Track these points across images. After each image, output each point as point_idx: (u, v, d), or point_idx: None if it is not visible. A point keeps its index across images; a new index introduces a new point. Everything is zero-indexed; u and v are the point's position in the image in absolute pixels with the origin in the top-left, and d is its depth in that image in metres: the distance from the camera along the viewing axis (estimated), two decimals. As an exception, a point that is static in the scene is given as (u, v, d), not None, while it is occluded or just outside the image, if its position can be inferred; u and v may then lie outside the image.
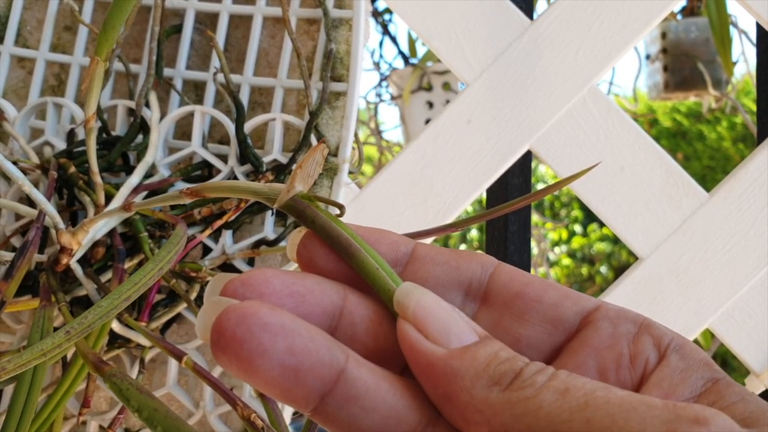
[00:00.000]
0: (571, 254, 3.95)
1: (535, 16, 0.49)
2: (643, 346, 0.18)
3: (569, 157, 0.45)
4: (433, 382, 0.16)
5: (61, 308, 0.31)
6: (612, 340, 0.18)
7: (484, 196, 0.51)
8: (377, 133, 1.16)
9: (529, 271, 0.49)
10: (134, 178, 0.36)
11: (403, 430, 0.16)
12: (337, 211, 0.21)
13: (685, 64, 1.26)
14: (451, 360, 0.16)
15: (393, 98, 1.14)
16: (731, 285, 0.45)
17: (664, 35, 1.25)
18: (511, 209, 0.34)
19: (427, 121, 1.13)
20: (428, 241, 0.35)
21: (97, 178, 0.34)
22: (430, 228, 0.43)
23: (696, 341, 0.48)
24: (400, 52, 1.14)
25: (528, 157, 0.48)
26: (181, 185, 0.40)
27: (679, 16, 1.23)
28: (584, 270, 3.96)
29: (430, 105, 1.10)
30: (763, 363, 0.45)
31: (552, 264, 3.88)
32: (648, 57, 1.36)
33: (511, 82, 0.46)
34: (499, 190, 0.48)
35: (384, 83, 1.17)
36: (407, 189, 0.47)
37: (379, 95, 1.17)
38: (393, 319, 0.19)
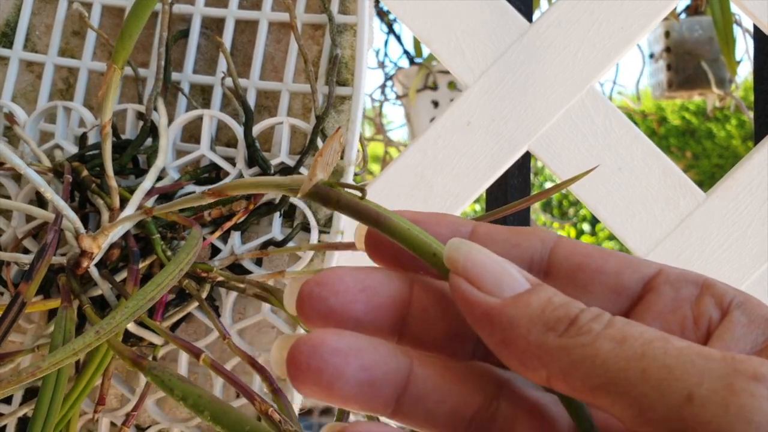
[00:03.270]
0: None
1: (534, 18, 0.52)
2: (705, 307, 0.19)
3: (568, 158, 0.48)
4: (489, 331, 0.18)
5: (86, 310, 0.34)
6: (674, 304, 0.19)
7: (484, 196, 0.54)
8: (383, 131, 1.19)
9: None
10: (147, 183, 0.39)
11: (471, 410, 0.18)
12: (359, 194, 0.24)
13: (688, 63, 1.29)
14: (505, 309, 0.17)
15: (398, 97, 1.17)
16: (728, 283, 0.48)
17: (667, 34, 1.29)
18: (510, 211, 0.37)
19: (432, 120, 1.16)
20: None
21: (113, 182, 0.37)
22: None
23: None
24: (405, 52, 1.18)
25: (527, 157, 0.51)
26: (192, 188, 0.43)
27: (683, 15, 1.27)
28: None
29: (436, 104, 1.13)
30: (759, 359, 0.48)
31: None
32: (652, 56, 1.39)
33: (510, 84, 0.49)
34: (499, 191, 0.51)
35: (389, 82, 1.20)
36: (408, 190, 0.50)
37: (384, 94, 1.20)
38: None
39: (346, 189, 0.23)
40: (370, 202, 0.22)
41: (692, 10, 1.28)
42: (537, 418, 0.19)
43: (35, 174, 0.33)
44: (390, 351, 0.18)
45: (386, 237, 0.20)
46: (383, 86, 1.20)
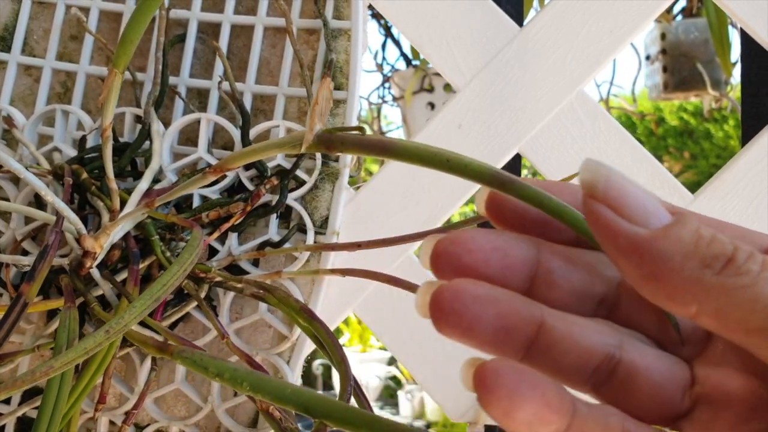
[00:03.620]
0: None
1: (525, 22, 0.53)
2: None
3: (557, 161, 0.49)
4: (635, 262, 0.18)
5: (93, 308, 0.35)
6: None
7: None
8: (381, 134, 1.20)
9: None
10: (143, 184, 0.41)
11: (594, 363, 0.20)
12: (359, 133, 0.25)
13: (684, 64, 1.31)
14: (656, 241, 0.17)
15: (395, 99, 1.19)
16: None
17: (663, 36, 1.30)
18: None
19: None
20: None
21: (113, 185, 0.38)
22: (421, 232, 0.47)
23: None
24: (402, 54, 1.19)
25: (518, 159, 0.53)
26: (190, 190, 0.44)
27: (679, 17, 1.28)
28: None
29: (432, 106, 1.15)
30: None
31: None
32: (648, 57, 1.40)
33: (501, 87, 0.50)
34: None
35: (386, 84, 1.22)
36: (401, 191, 0.51)
37: (381, 96, 1.22)
38: (582, 256, 0.21)
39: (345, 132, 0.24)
40: (374, 134, 0.23)
41: (688, 12, 1.30)
42: (653, 375, 0.20)
43: (35, 178, 0.35)
44: (523, 302, 0.20)
45: (508, 200, 0.21)
46: (380, 88, 1.22)
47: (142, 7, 0.36)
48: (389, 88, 1.25)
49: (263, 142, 0.26)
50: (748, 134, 0.52)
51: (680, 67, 1.32)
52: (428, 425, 3.44)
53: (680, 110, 4.00)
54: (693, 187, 0.50)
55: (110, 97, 0.37)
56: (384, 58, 1.23)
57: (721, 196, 0.49)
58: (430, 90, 1.14)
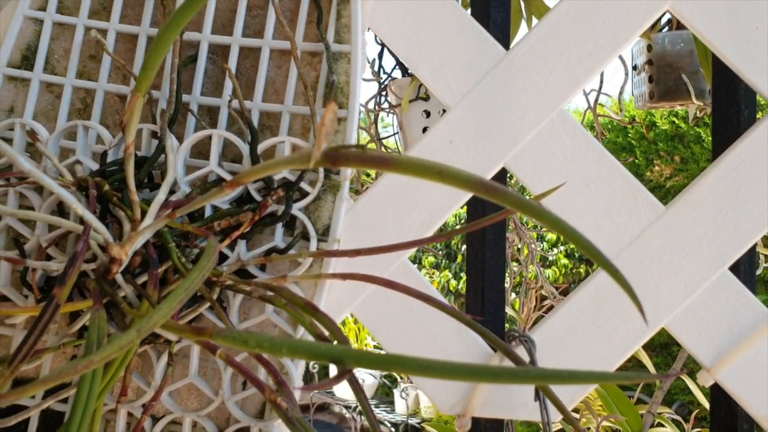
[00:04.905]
0: (569, 254, 4.08)
1: (511, 45, 0.57)
2: None
3: (539, 174, 0.53)
4: None
5: (124, 308, 0.39)
6: None
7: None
8: (378, 140, 1.24)
9: (504, 273, 0.57)
10: (161, 195, 0.45)
11: None
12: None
13: (669, 75, 1.35)
14: None
15: (391, 107, 1.23)
16: (685, 289, 0.54)
17: (650, 47, 1.35)
18: (488, 222, 0.43)
19: (424, 129, 1.22)
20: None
21: (135, 196, 0.42)
22: (414, 240, 0.51)
23: (653, 338, 0.56)
24: (398, 63, 1.23)
25: (504, 173, 0.57)
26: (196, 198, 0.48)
27: (665, 29, 1.33)
28: (582, 269, 4.09)
29: (427, 114, 1.19)
30: (713, 359, 0.54)
31: (550, 263, 4.01)
32: (635, 67, 1.45)
33: (488, 106, 0.54)
34: (478, 203, 0.57)
35: (383, 92, 1.26)
36: (395, 202, 0.55)
37: (378, 103, 1.26)
38: None
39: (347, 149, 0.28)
40: (373, 149, 0.27)
41: (674, 25, 1.35)
42: None
43: (67, 193, 0.39)
44: None
45: None
46: (377, 96, 1.26)
47: (162, 37, 0.40)
48: (386, 95, 1.29)
49: (276, 158, 0.30)
50: (717, 151, 0.56)
51: (666, 77, 1.37)
52: (423, 422, 3.49)
53: (671, 114, 4.06)
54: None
55: (133, 118, 0.41)
56: (381, 67, 1.27)
57: (691, 209, 0.53)
58: (426, 98, 1.18)
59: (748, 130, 0.53)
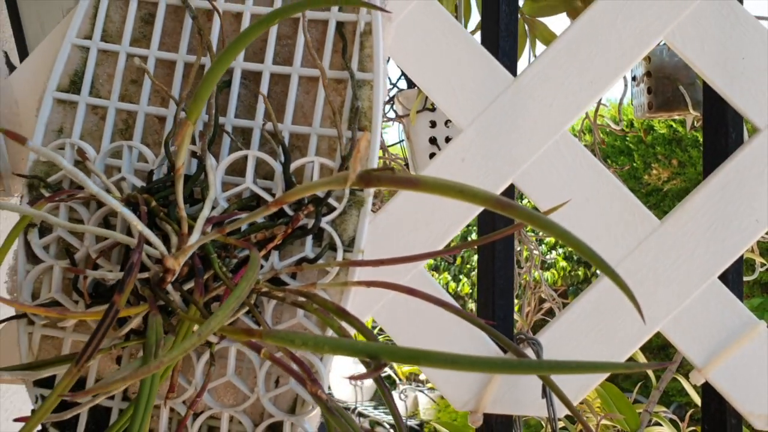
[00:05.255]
0: (568, 257, 4.14)
1: (518, 72, 0.62)
2: None
3: (545, 190, 0.58)
4: None
5: (180, 313, 0.44)
6: None
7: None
8: (382, 148, 1.30)
9: (512, 281, 0.62)
10: (206, 211, 0.50)
11: None
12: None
13: (667, 86, 1.41)
14: None
15: (398, 117, 1.28)
16: (678, 296, 0.59)
17: (648, 59, 1.41)
18: (498, 237, 0.48)
19: (431, 139, 1.27)
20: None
21: (183, 213, 0.47)
22: (432, 251, 0.56)
23: (652, 340, 0.62)
24: (403, 74, 1.28)
25: (512, 189, 0.62)
26: (239, 214, 0.53)
27: (663, 42, 1.39)
28: (580, 272, 4.15)
29: (433, 124, 1.24)
30: (704, 360, 0.59)
31: (549, 266, 4.07)
32: (634, 78, 1.51)
33: (497, 128, 0.60)
34: (488, 216, 0.62)
35: (390, 102, 1.31)
36: (413, 215, 0.60)
37: (385, 114, 1.31)
38: None
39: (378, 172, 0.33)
40: (401, 172, 0.32)
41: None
42: None
43: (129, 211, 0.44)
44: None
45: None
46: (385, 106, 1.31)
47: (212, 71, 0.45)
48: (393, 105, 1.34)
49: (316, 180, 0.35)
50: (707, 170, 0.61)
51: (663, 88, 1.42)
52: (421, 424, 3.53)
53: (669, 119, 4.11)
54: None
55: (184, 143, 0.46)
56: (388, 78, 1.32)
57: (684, 223, 0.58)
58: (432, 109, 1.23)
59: (735, 151, 0.58)
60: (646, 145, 4.40)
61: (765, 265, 1.35)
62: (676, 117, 1.58)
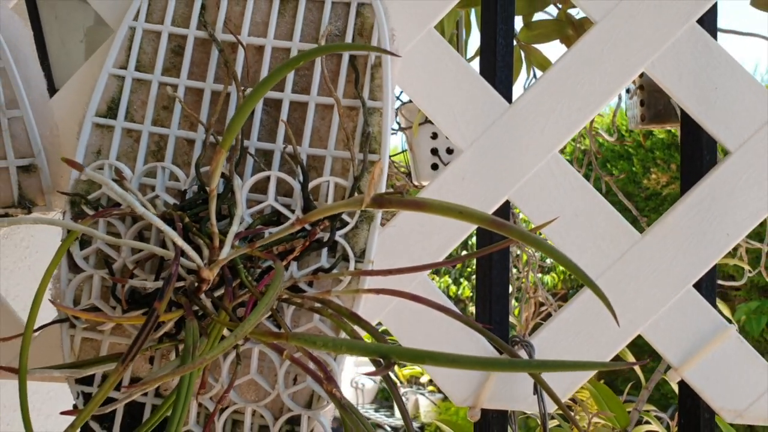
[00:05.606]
0: (567, 263, 4.21)
1: (513, 99, 0.69)
2: None
3: (537, 206, 0.65)
4: None
5: (214, 318, 0.51)
6: None
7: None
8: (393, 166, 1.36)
9: (507, 288, 0.69)
10: (234, 227, 0.56)
11: None
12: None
13: (659, 99, 1.47)
14: None
15: (401, 129, 1.35)
16: (657, 302, 0.65)
17: (641, 74, 1.47)
18: (495, 249, 0.54)
19: (432, 150, 1.33)
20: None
21: (215, 229, 0.53)
22: (434, 262, 0.63)
23: (644, 343, 0.68)
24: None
25: (507, 205, 0.68)
26: (263, 228, 0.59)
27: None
28: (579, 278, 4.22)
29: (435, 136, 1.31)
30: (680, 360, 0.65)
31: (549, 270, 4.14)
32: (628, 91, 1.57)
33: (494, 150, 0.66)
34: (486, 231, 0.68)
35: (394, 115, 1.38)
36: (417, 227, 0.67)
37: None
38: None
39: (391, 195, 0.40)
40: (410, 196, 0.39)
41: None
42: None
43: (169, 228, 0.50)
44: None
45: None
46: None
47: (245, 106, 0.51)
48: (396, 117, 1.40)
49: (337, 202, 0.42)
50: (684, 188, 0.68)
51: (656, 101, 1.49)
52: (422, 427, 3.59)
53: (667, 125, 4.17)
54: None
55: (218, 168, 0.52)
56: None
57: (662, 236, 0.65)
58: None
59: (709, 171, 0.64)
60: (645, 150, 4.46)
61: (752, 272, 1.41)
62: (669, 128, 1.63)
